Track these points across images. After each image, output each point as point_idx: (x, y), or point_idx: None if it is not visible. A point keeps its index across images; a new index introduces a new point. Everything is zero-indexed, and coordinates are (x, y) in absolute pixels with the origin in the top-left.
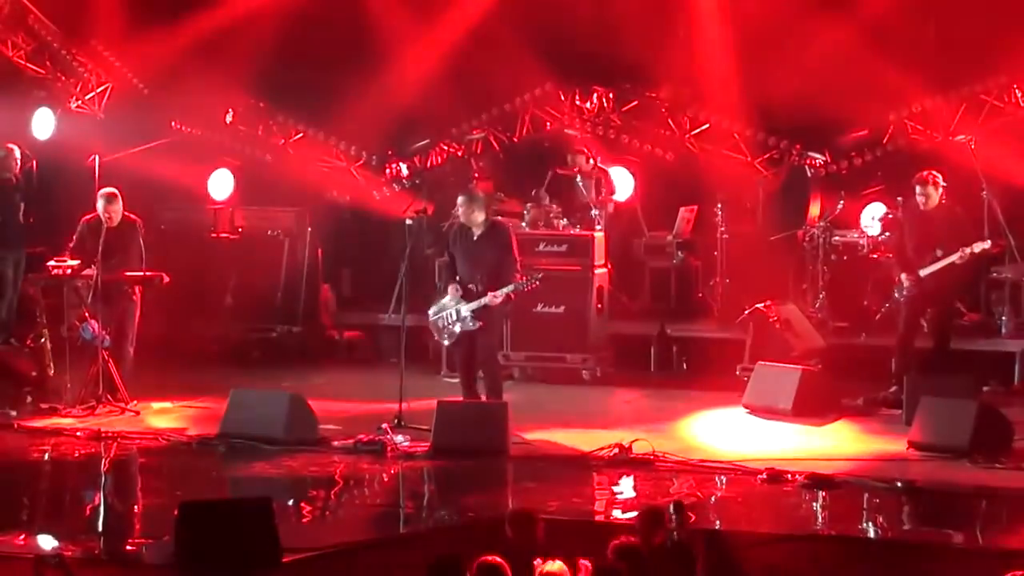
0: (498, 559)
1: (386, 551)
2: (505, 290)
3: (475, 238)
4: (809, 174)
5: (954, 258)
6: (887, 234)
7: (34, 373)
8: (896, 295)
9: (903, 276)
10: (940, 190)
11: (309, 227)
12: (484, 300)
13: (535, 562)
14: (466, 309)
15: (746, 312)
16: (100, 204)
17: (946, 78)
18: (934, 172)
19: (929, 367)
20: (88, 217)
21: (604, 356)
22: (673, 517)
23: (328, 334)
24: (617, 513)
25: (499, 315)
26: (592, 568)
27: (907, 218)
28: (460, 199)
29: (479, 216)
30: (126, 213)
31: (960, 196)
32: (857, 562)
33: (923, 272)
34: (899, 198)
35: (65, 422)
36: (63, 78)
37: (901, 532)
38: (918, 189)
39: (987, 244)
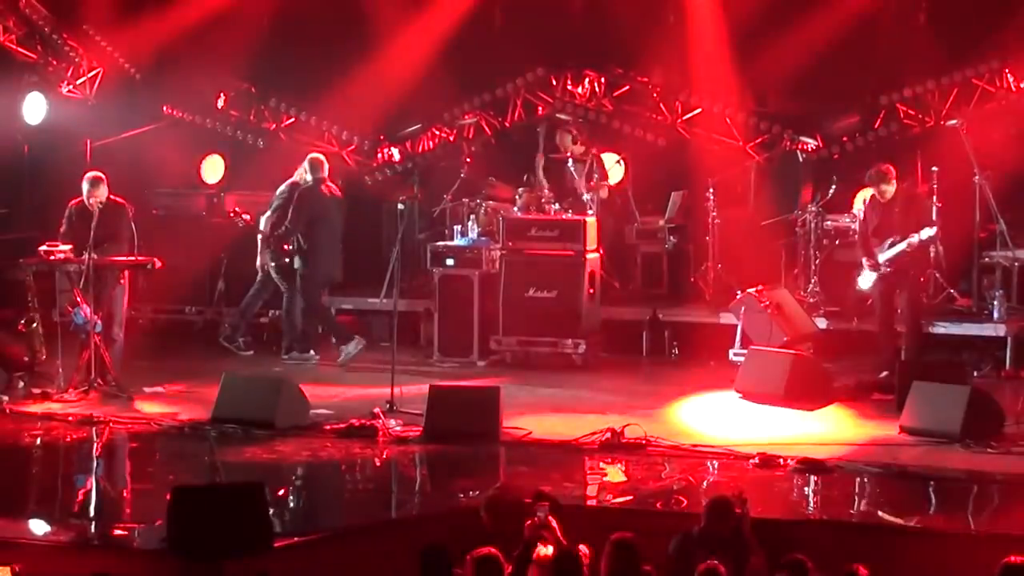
0: (492, 550)
1: (378, 536)
2: None
3: None
4: (801, 159)
5: (903, 246)
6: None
7: (25, 358)
8: (859, 282)
9: (864, 261)
10: (890, 181)
11: None
12: None
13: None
14: None
15: (738, 297)
16: (84, 188)
17: (938, 63)
18: (887, 165)
19: (907, 351)
20: (75, 202)
21: (596, 341)
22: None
23: None
24: (609, 498)
25: None
26: (591, 554)
27: (870, 207)
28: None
29: None
30: (113, 197)
31: (952, 181)
32: (849, 547)
33: (881, 257)
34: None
35: (56, 407)
36: (54, 63)
37: (892, 517)
38: (875, 186)
39: (932, 231)
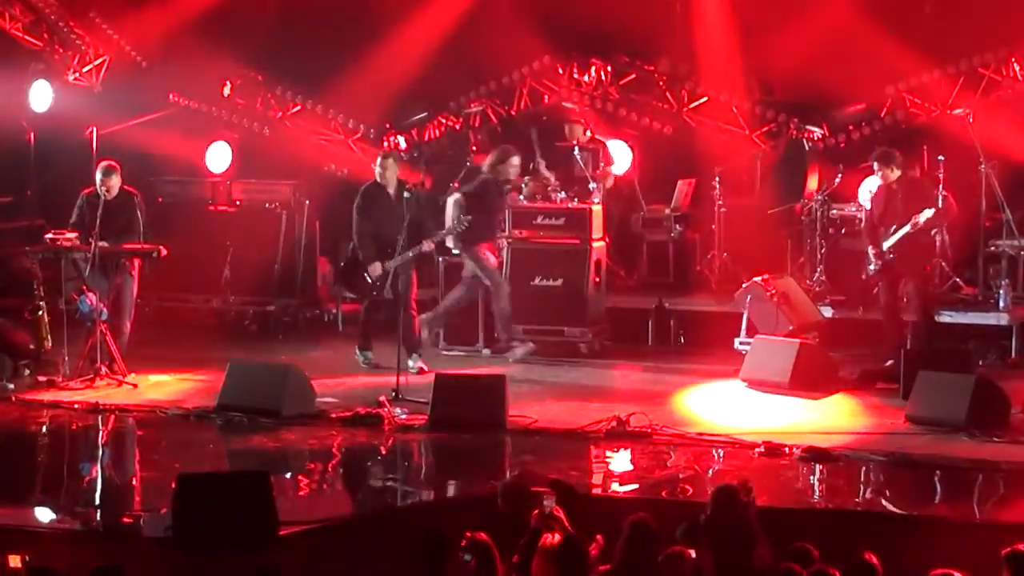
0: (484, 536)
1: (383, 524)
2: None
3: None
4: (807, 147)
5: (907, 228)
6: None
7: (31, 346)
8: (868, 269)
9: (869, 250)
10: (894, 166)
11: (307, 200)
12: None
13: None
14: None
15: (744, 286)
16: (98, 177)
17: (944, 51)
18: (887, 149)
19: (916, 339)
20: (87, 191)
21: (602, 330)
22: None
23: (325, 307)
24: (615, 487)
25: None
26: (602, 544)
27: (878, 195)
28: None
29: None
30: (125, 186)
31: (958, 170)
32: (853, 535)
33: (885, 244)
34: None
35: (62, 395)
36: (61, 50)
37: (897, 506)
38: (879, 164)
39: (930, 212)
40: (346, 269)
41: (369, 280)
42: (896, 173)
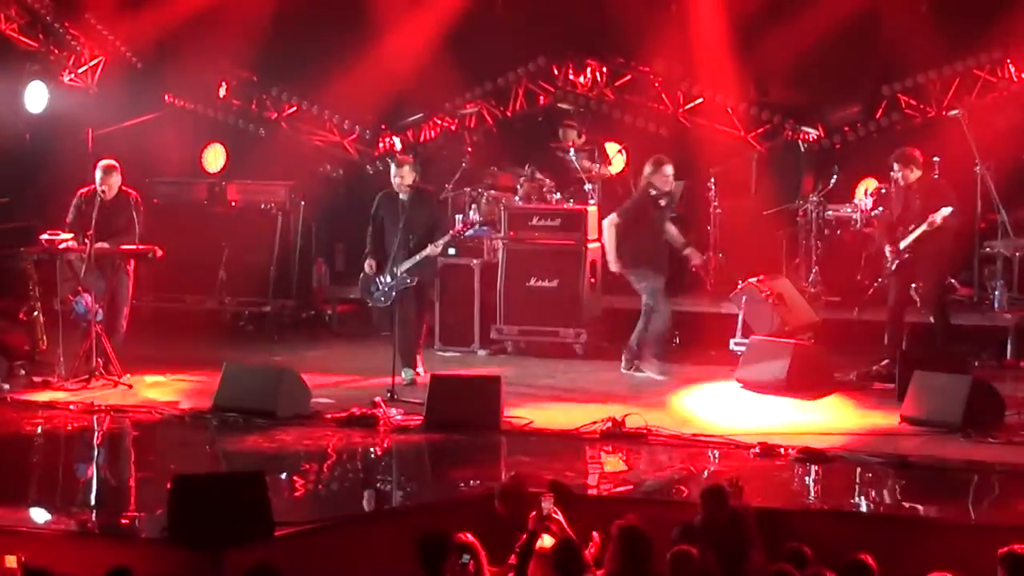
0: (471, 537)
1: (378, 525)
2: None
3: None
4: (802, 148)
5: (923, 227)
6: (880, 209)
7: (27, 347)
8: (885, 268)
9: (886, 248)
10: (914, 167)
11: (302, 201)
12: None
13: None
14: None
15: (739, 286)
16: (98, 176)
17: (939, 53)
18: (907, 149)
19: (931, 341)
20: (85, 190)
21: (597, 330)
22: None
23: (321, 308)
24: (611, 488)
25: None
26: (600, 541)
27: (895, 192)
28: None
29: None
30: (123, 187)
31: (953, 171)
32: (849, 536)
33: (902, 244)
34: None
35: (58, 395)
36: (56, 51)
37: (893, 506)
38: (900, 164)
39: (948, 211)
40: (361, 278)
41: (378, 287)
42: (916, 173)
